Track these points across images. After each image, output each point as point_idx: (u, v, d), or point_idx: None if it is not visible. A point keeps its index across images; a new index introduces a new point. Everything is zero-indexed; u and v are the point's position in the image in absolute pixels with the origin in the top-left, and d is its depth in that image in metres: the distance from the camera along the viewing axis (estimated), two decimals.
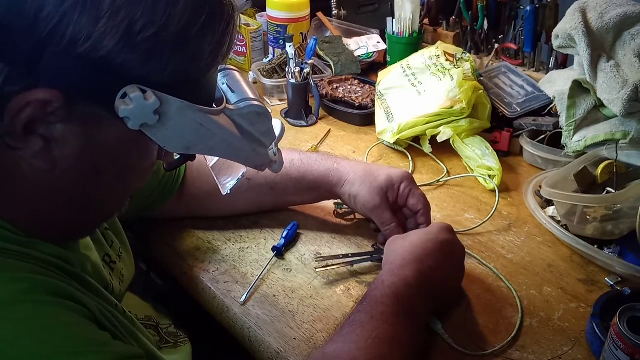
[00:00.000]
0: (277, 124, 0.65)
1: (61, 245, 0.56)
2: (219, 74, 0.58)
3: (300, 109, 1.26)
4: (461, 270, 0.78)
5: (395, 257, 0.74)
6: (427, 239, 0.75)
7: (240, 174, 0.68)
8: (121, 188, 0.57)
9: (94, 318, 0.51)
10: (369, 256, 0.84)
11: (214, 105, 0.54)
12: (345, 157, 1.13)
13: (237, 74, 0.61)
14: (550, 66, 1.22)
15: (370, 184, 0.85)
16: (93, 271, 0.63)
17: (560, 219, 0.90)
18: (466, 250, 0.87)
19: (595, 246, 0.84)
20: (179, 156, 0.63)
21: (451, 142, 1.10)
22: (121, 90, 0.46)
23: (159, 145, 0.51)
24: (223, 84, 0.59)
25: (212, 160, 0.69)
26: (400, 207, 0.87)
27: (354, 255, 0.84)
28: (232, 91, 0.58)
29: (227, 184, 0.68)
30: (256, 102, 0.58)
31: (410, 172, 1.08)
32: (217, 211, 0.92)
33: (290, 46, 1.27)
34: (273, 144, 0.64)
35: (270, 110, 0.61)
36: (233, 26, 0.52)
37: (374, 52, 1.48)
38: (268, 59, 1.47)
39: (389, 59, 1.43)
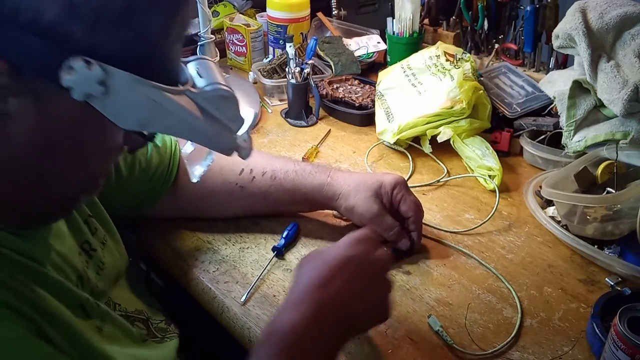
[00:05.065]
0: (249, 111, 0.64)
1: (21, 235, 0.55)
2: (192, 63, 0.58)
3: (301, 109, 1.25)
4: (376, 288, 0.65)
5: (299, 283, 0.64)
6: (335, 257, 0.64)
7: (209, 160, 0.67)
8: (80, 168, 0.55)
9: (35, 328, 0.51)
10: None
11: (179, 86, 0.54)
12: (346, 157, 1.14)
13: (211, 63, 0.60)
14: (550, 66, 1.22)
15: (365, 193, 0.85)
16: (60, 261, 0.62)
17: (560, 219, 0.90)
18: (466, 250, 0.87)
19: (596, 246, 0.84)
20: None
21: (451, 142, 1.09)
22: (66, 61, 0.45)
23: (110, 120, 0.50)
24: (194, 70, 0.58)
25: (186, 150, 0.68)
26: (396, 210, 0.87)
27: None
28: (201, 77, 0.57)
29: (195, 172, 0.68)
30: (223, 86, 0.57)
31: (409, 172, 1.08)
32: (211, 214, 0.92)
33: (290, 46, 1.27)
34: (244, 130, 0.61)
35: (237, 96, 0.59)
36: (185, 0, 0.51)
37: (374, 52, 1.48)
38: (268, 59, 1.47)
39: (389, 59, 1.43)
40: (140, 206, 0.86)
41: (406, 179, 1.06)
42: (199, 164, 0.68)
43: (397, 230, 0.85)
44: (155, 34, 0.49)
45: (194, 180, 0.68)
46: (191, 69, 0.58)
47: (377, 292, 0.65)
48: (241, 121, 0.60)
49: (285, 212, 0.93)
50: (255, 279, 0.81)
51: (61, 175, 0.54)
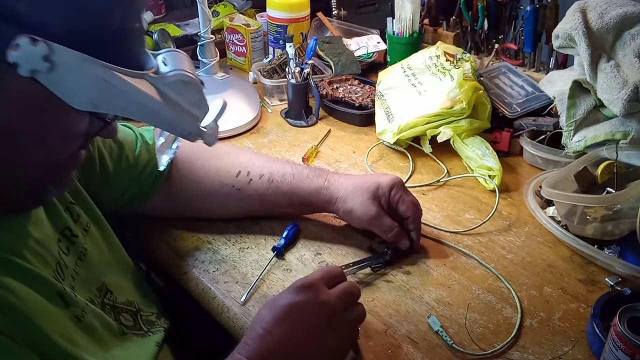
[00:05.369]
0: (217, 101, 0.64)
1: None
2: (161, 54, 0.58)
3: (301, 109, 1.26)
4: (322, 331, 0.65)
5: (252, 327, 0.66)
6: (282, 304, 0.65)
7: (174, 147, 0.68)
8: (42, 153, 0.55)
9: None
10: (367, 262, 0.83)
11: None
12: (346, 157, 1.14)
13: (181, 55, 0.60)
14: (550, 66, 1.22)
15: (362, 196, 0.85)
16: (39, 247, 0.62)
17: (560, 219, 0.90)
18: (466, 250, 0.87)
19: (596, 246, 0.84)
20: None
21: (451, 142, 1.09)
22: (13, 40, 0.46)
23: (62, 98, 0.50)
24: (161, 60, 0.58)
25: (159, 141, 0.69)
26: (395, 211, 0.87)
27: (354, 264, 0.82)
28: (166, 65, 0.58)
29: (162, 160, 0.68)
30: (185, 72, 0.57)
31: (409, 172, 1.08)
32: (208, 215, 0.92)
33: (290, 46, 1.27)
34: (210, 119, 0.61)
35: (203, 84, 0.60)
36: None
37: (374, 52, 1.48)
38: (268, 59, 1.47)
39: (389, 59, 1.43)
40: (131, 203, 0.86)
41: (406, 179, 1.06)
42: (165, 152, 0.68)
43: (397, 231, 0.85)
44: (101, 14, 0.50)
45: (161, 168, 0.70)
46: (159, 59, 0.58)
47: (325, 335, 0.66)
48: (206, 107, 0.60)
49: (285, 215, 0.93)
50: (255, 279, 0.81)
51: (22, 158, 0.55)
